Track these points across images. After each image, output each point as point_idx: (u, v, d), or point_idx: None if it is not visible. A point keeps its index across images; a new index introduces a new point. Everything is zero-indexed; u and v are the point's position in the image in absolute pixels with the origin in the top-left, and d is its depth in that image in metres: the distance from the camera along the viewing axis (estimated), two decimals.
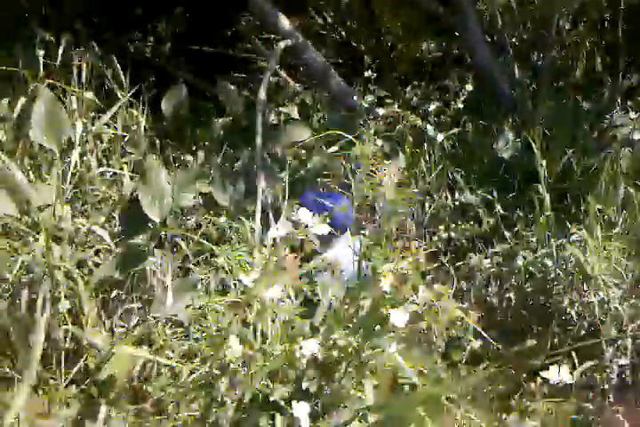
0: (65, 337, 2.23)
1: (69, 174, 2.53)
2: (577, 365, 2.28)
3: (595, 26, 7.10)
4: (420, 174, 3.77)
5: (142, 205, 2.48)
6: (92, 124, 2.62)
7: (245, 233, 2.70)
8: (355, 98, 4.20)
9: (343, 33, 8.30)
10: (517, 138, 3.88)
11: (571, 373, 1.59)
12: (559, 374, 1.56)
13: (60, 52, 2.88)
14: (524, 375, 1.96)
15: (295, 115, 4.65)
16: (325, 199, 2.67)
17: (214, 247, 2.57)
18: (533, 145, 3.15)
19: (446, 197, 3.73)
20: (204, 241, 2.63)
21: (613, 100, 5.19)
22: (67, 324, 2.26)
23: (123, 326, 2.49)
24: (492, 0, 5.09)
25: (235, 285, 2.49)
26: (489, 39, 5.27)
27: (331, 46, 7.47)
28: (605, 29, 7.28)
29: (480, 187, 3.72)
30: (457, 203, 3.68)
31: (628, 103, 4.57)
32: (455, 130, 3.74)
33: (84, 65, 2.86)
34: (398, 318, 1.52)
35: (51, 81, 2.64)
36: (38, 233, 2.38)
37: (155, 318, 2.39)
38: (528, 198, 3.44)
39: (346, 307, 1.60)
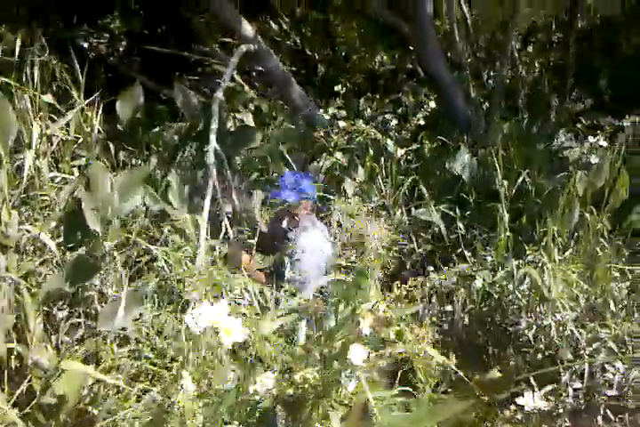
0: (8, 355, 2.07)
1: (24, 179, 2.37)
2: (536, 389, 2.29)
3: (544, 47, 7.32)
4: (377, 188, 3.76)
5: (85, 213, 2.37)
6: (46, 126, 2.47)
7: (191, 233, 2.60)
8: (311, 109, 4.17)
9: (298, 40, 8.27)
10: (474, 156, 3.92)
11: None
12: (534, 400, 1.54)
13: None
14: (494, 403, 1.94)
15: (250, 121, 4.58)
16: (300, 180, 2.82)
17: (154, 248, 2.45)
18: (496, 165, 3.16)
19: (402, 213, 3.74)
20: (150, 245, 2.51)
21: (559, 121, 5.34)
22: (11, 340, 2.12)
23: (69, 343, 2.35)
24: (450, 17, 5.11)
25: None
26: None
27: (285, 53, 7.41)
28: (554, 51, 7.52)
29: (438, 203, 3.74)
30: (412, 219, 3.69)
31: (578, 125, 4.67)
32: (414, 146, 3.74)
33: (37, 63, 2.69)
34: (357, 355, 1.48)
35: (3, 79, 2.47)
36: None
37: (102, 333, 2.27)
38: (486, 217, 3.48)
39: (318, 346, 1.54)
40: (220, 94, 3.30)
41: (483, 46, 7.16)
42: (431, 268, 3.36)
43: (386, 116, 4.66)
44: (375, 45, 8.07)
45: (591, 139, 3.38)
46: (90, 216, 2.34)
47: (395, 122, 3.82)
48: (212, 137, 3.02)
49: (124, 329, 2.28)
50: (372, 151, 3.63)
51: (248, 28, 4.03)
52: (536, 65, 7.42)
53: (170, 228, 2.71)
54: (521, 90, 6.57)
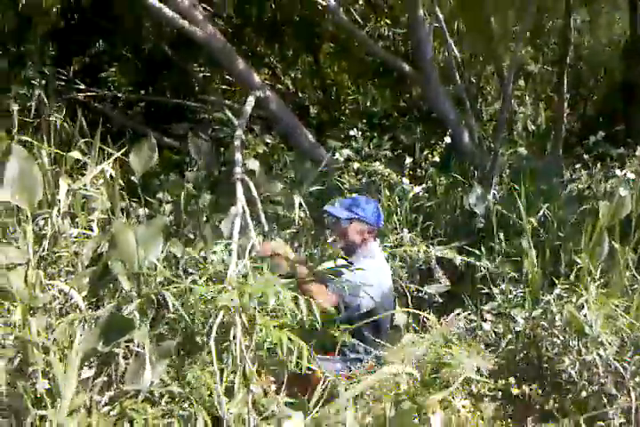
0: (41, 421, 1.97)
1: (47, 237, 2.31)
2: None
3: (539, 80, 7.45)
4: (393, 228, 3.73)
5: (113, 271, 2.33)
6: (70, 183, 2.43)
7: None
8: (324, 153, 4.17)
9: (288, 82, 8.36)
10: (487, 192, 3.91)
11: None
12: None
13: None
14: None
15: (256, 167, 4.56)
16: None
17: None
18: (518, 200, 3.14)
19: (420, 252, 3.69)
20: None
21: (557, 154, 5.38)
22: (44, 405, 2.02)
23: (99, 402, 2.25)
24: (450, 55, 5.17)
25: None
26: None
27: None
28: (546, 84, 7.66)
29: (455, 240, 3.71)
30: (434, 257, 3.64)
31: (585, 156, 4.69)
32: (429, 184, 3.73)
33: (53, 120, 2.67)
34: None
35: (25, 138, 2.45)
36: (9, 302, 2.15)
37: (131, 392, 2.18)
38: (511, 253, 3.45)
39: None
40: (238, 143, 3.29)
41: (474, 83, 7.27)
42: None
43: (393, 154, 4.66)
44: (367, 86, 8.19)
45: (618, 172, 3.37)
46: (118, 271, 2.29)
47: (409, 160, 3.81)
48: (239, 186, 3.01)
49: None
50: (387, 191, 3.61)
51: (256, 77, 4.06)
52: (526, 98, 7.55)
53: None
54: (518, 123, 6.67)
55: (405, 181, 3.57)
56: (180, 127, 6.25)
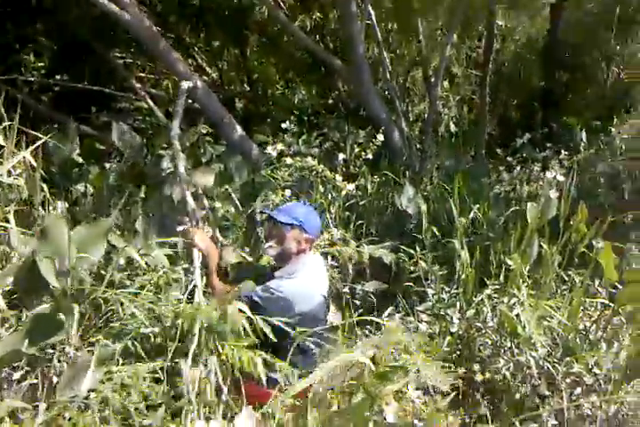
0: None
1: None
2: None
3: (463, 82, 7.60)
4: (326, 226, 3.66)
5: (41, 268, 2.14)
6: None
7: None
8: (253, 147, 4.05)
9: (214, 75, 8.16)
10: (417, 192, 3.91)
11: None
12: None
13: None
14: None
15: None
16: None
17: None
18: (450, 200, 3.15)
19: (352, 250, 3.64)
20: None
21: (481, 155, 5.49)
22: None
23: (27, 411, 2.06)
24: (380, 53, 5.16)
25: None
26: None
27: None
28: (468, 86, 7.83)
29: (387, 239, 3.69)
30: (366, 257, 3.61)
31: (509, 159, 4.79)
32: (362, 181, 3.69)
33: None
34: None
35: None
36: None
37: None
38: (442, 253, 3.45)
39: None
40: (176, 132, 3.14)
41: (401, 83, 7.32)
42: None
43: (322, 150, 4.60)
44: (295, 81, 8.10)
45: (549, 174, 3.43)
46: (47, 270, 2.10)
47: (342, 157, 3.75)
48: (182, 173, 2.88)
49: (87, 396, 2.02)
50: (321, 188, 3.54)
51: (183, 65, 3.88)
52: (452, 99, 7.69)
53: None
54: (442, 124, 6.77)
55: (338, 178, 3.51)
56: (101, 116, 5.97)
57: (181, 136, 4.53)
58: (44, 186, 2.92)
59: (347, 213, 3.85)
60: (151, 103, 5.91)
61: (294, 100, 8.10)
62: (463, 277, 2.92)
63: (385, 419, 1.38)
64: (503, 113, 7.86)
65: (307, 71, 7.55)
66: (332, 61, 4.96)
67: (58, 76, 5.87)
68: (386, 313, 3.22)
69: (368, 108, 4.79)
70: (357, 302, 3.54)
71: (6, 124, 2.51)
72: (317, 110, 7.48)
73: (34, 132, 2.84)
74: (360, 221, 3.81)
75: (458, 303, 2.88)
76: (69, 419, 1.90)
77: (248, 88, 8.31)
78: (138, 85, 5.83)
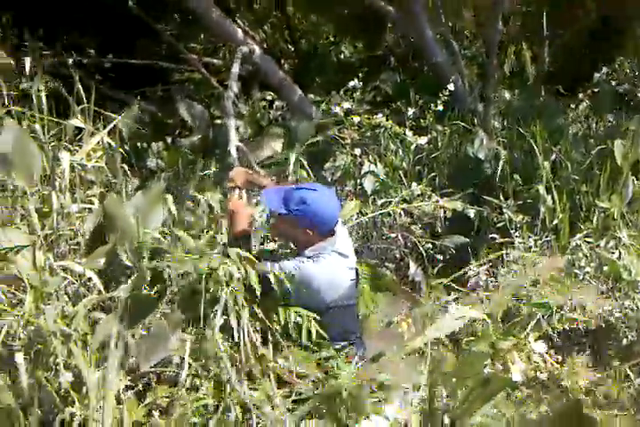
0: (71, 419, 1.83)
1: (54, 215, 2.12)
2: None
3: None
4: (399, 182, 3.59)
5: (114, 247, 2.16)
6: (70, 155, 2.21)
7: None
8: (313, 107, 3.97)
9: (257, 37, 8.03)
10: (491, 138, 3.76)
11: None
12: None
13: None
14: None
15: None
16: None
17: None
18: (535, 146, 3.00)
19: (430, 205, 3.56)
20: None
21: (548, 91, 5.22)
22: (69, 399, 1.88)
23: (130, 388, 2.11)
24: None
25: None
26: None
27: None
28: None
29: (462, 190, 3.58)
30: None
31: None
32: (433, 134, 3.57)
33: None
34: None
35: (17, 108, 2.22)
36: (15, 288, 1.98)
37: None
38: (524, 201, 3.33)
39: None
40: (229, 103, 3.09)
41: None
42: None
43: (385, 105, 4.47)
44: (342, 37, 7.89)
45: None
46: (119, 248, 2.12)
47: (411, 111, 3.62)
48: (233, 148, 2.84)
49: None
50: (391, 144, 3.44)
51: (239, 31, 3.80)
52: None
53: None
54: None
55: (408, 132, 3.40)
56: (156, 90, 5.97)
57: (236, 102, 4.52)
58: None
59: (417, 167, 3.76)
60: (206, 73, 5.87)
61: (341, 55, 7.92)
62: (555, 222, 2.79)
63: (512, 379, 1.33)
64: (564, 47, 7.46)
65: (354, 25, 7.33)
66: (385, 9, 4.76)
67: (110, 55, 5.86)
68: (473, 266, 3.17)
69: (426, 54, 4.58)
70: (440, 258, 3.49)
71: (84, 106, 2.51)
72: (367, 63, 7.29)
73: (107, 113, 2.84)
74: (432, 174, 3.71)
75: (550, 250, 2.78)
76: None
77: (292, 48, 8.16)
78: (193, 56, 5.77)
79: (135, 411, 2.02)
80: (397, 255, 3.68)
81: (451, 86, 3.55)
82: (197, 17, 4.01)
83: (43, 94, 2.37)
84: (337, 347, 2.11)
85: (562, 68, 7.05)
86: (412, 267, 3.63)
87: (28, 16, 5.11)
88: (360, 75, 7.04)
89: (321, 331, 2.04)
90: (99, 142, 2.51)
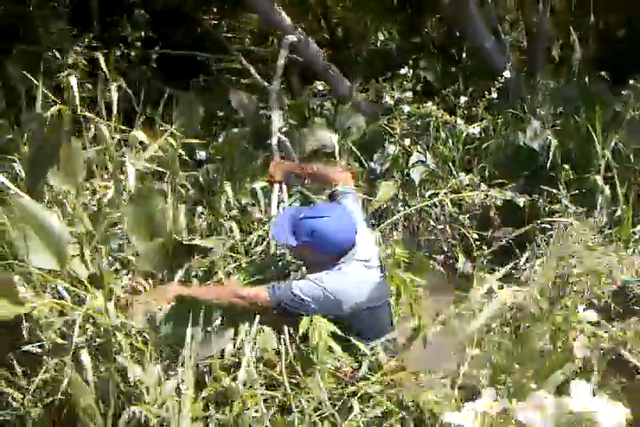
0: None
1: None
2: None
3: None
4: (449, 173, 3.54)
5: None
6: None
7: None
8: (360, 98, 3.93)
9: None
10: (544, 126, 3.66)
11: None
12: None
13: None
14: None
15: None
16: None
17: None
18: (592, 131, 2.91)
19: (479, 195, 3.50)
20: None
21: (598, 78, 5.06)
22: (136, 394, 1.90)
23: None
24: None
25: None
26: None
27: None
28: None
29: (514, 181, 3.52)
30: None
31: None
32: (485, 123, 3.49)
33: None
34: None
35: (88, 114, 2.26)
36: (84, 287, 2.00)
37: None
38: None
39: None
40: (274, 94, 3.07)
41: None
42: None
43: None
44: (378, 24, 7.76)
45: None
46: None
47: (464, 99, 3.55)
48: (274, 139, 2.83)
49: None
50: (442, 133, 3.38)
51: (287, 19, 3.76)
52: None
53: None
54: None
55: (460, 121, 3.33)
56: (199, 81, 5.96)
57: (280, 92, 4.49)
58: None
59: (466, 157, 3.69)
60: (246, 63, 5.84)
61: (377, 42, 7.79)
62: (620, 213, 2.71)
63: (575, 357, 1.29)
64: (607, 33, 7.23)
65: (391, 11, 7.21)
66: None
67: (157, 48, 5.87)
68: (524, 258, 3.11)
69: (475, 40, 4.47)
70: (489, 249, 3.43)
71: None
72: (406, 51, 7.17)
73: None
74: (481, 165, 3.64)
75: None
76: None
77: (328, 37, 8.05)
78: (236, 46, 5.75)
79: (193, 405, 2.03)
80: (445, 247, 3.64)
81: (507, 73, 3.45)
82: (247, 5, 3.98)
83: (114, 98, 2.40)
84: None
85: (609, 55, 6.87)
86: (461, 259, 3.60)
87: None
88: (404, 63, 6.96)
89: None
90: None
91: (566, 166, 3.31)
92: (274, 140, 2.90)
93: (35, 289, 1.87)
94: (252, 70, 5.86)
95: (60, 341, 1.86)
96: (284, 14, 3.72)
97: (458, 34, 5.78)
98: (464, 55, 5.57)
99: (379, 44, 7.64)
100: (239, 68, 6.26)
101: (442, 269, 3.41)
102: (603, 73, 5.12)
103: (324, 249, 2.04)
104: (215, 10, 6.22)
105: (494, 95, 3.47)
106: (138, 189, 2.17)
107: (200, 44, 6.26)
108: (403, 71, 3.95)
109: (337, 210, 2.12)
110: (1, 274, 1.70)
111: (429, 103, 3.36)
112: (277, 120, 3.04)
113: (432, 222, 3.62)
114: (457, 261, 3.52)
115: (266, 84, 3.89)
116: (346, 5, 7.85)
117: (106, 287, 1.91)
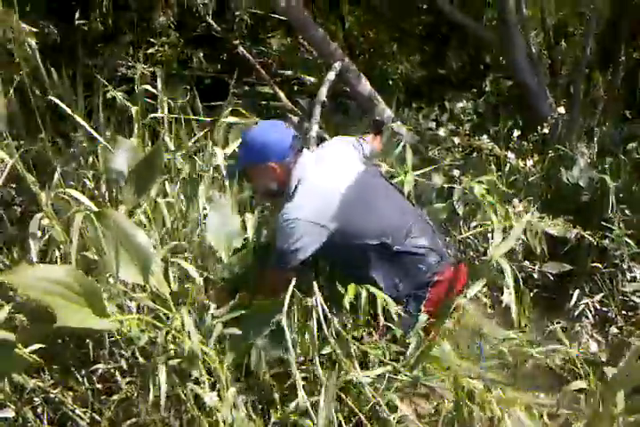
0: None
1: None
2: None
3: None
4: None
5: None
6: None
7: None
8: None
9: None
10: (592, 163, 3.67)
11: None
12: None
13: None
14: None
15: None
16: None
17: None
18: None
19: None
20: None
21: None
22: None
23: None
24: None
25: None
26: None
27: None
28: None
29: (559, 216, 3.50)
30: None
31: None
32: (536, 158, 3.49)
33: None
34: None
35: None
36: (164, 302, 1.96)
37: None
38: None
39: None
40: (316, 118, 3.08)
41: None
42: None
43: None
44: (407, 53, 7.81)
45: None
46: None
47: (517, 133, 3.55)
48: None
49: None
50: (493, 167, 3.38)
51: (335, 46, 3.79)
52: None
53: None
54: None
55: (511, 155, 3.33)
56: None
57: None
58: None
59: (512, 190, 3.68)
60: (276, 88, 5.87)
61: (403, 72, 7.83)
62: None
63: None
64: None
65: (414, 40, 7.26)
66: (468, 23, 4.68)
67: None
68: (575, 296, 3.10)
69: (516, 75, 4.48)
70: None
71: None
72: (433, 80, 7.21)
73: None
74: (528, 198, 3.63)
75: None
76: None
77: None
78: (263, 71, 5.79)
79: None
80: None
81: (561, 109, 3.47)
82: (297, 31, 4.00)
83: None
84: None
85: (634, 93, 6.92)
86: (507, 292, 3.55)
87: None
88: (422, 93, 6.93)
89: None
90: None
91: (616, 204, 3.30)
92: None
93: (118, 306, 1.82)
94: (282, 96, 5.89)
95: (141, 360, 1.80)
96: (332, 42, 3.74)
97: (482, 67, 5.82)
98: (487, 88, 5.64)
99: (402, 74, 7.71)
100: (269, 92, 6.31)
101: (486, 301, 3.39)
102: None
103: (262, 154, 2.05)
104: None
105: (546, 131, 3.47)
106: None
107: (231, 67, 6.31)
108: (460, 104, 3.92)
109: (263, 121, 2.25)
110: (88, 281, 1.65)
111: (484, 136, 3.35)
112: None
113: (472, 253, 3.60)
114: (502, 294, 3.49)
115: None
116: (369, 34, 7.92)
117: (188, 305, 1.87)
